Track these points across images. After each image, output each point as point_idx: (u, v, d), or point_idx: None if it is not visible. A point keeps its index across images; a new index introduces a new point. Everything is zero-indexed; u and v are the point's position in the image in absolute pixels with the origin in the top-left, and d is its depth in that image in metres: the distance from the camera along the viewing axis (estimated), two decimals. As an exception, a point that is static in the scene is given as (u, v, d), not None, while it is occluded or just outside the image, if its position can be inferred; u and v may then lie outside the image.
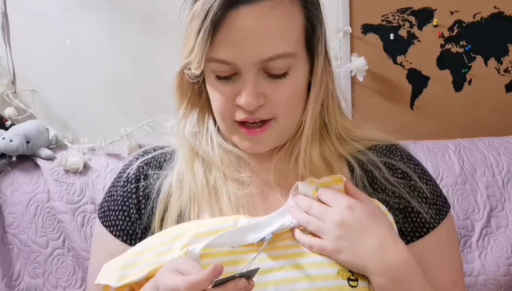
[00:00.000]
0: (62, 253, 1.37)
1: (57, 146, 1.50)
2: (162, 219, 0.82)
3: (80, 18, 1.55)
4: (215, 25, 0.72)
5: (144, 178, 0.85)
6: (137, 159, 0.89)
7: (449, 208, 0.86)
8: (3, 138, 1.40)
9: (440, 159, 1.43)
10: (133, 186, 0.85)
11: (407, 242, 0.80)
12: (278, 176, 0.83)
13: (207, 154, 0.82)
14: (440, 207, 0.84)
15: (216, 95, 0.78)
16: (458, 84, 1.61)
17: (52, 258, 1.37)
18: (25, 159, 1.44)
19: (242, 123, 0.78)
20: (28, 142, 1.41)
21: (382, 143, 0.87)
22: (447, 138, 1.50)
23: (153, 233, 0.82)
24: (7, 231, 1.37)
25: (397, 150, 0.87)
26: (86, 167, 1.41)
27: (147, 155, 0.89)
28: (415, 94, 1.60)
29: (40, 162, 1.42)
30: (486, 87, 1.60)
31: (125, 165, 0.90)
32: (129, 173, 0.86)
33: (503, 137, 1.51)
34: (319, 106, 0.81)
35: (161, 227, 0.82)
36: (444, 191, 1.39)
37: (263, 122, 0.77)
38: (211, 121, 0.85)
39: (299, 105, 0.80)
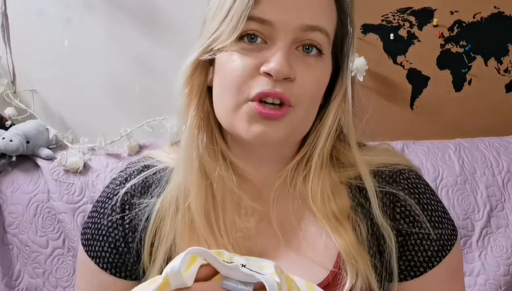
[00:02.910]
0: (62, 253, 1.37)
1: (57, 145, 1.50)
2: (152, 249, 0.76)
3: (80, 18, 1.55)
4: None
5: (129, 208, 0.79)
6: (120, 183, 0.81)
7: (456, 238, 0.77)
8: (3, 138, 1.40)
9: (440, 159, 1.43)
10: (118, 216, 0.78)
11: (400, 280, 0.75)
12: (277, 207, 0.76)
13: (220, 175, 0.74)
14: (445, 241, 0.76)
15: (234, 65, 0.69)
16: (458, 84, 1.61)
17: (52, 258, 1.37)
18: (25, 159, 1.44)
19: (258, 102, 0.68)
20: (28, 142, 1.41)
21: (385, 168, 0.78)
22: (447, 139, 1.50)
23: (144, 265, 0.77)
24: (7, 231, 1.37)
25: (401, 177, 0.78)
26: (86, 167, 1.41)
27: (131, 179, 0.81)
28: (415, 94, 1.60)
29: (40, 161, 1.42)
30: (486, 87, 1.60)
31: (108, 189, 0.82)
32: (114, 201, 0.79)
33: (503, 137, 1.51)
34: (336, 126, 0.76)
35: (150, 256, 0.76)
36: (444, 191, 1.41)
37: (281, 105, 0.69)
38: (219, 135, 0.76)
39: (316, 102, 0.73)
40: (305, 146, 0.76)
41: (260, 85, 0.68)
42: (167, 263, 0.73)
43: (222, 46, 0.69)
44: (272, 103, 0.68)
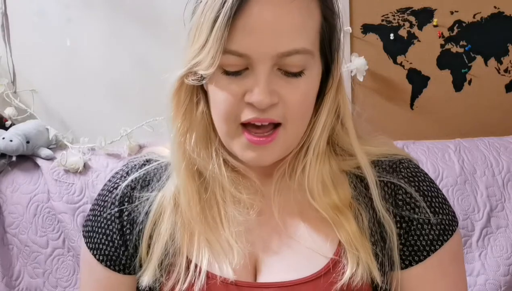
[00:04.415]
0: (62, 253, 1.37)
1: (57, 146, 1.50)
2: (150, 242, 0.77)
3: (80, 18, 1.55)
4: (234, 12, 0.66)
5: (128, 201, 0.80)
6: (121, 176, 0.83)
7: (456, 225, 0.79)
8: (3, 138, 1.40)
9: (440, 159, 1.43)
10: (117, 209, 0.80)
11: (405, 267, 0.77)
12: (278, 200, 0.77)
13: (214, 172, 0.76)
14: (446, 226, 0.77)
15: (221, 94, 0.71)
16: (458, 84, 1.61)
17: (52, 258, 1.37)
18: (25, 159, 1.44)
19: (248, 130, 0.72)
20: (28, 142, 1.41)
21: (385, 158, 0.80)
22: (447, 138, 1.50)
23: (140, 258, 0.78)
24: (7, 231, 1.37)
25: (400, 166, 0.80)
26: (86, 167, 1.41)
27: (133, 172, 0.82)
28: (415, 94, 1.60)
29: (40, 161, 1.42)
30: (486, 87, 1.60)
31: (110, 183, 0.84)
32: (114, 194, 0.81)
33: (503, 137, 1.51)
34: (332, 119, 0.77)
35: (148, 249, 0.77)
36: (444, 191, 1.40)
37: (273, 125, 0.71)
38: (213, 135, 0.77)
39: (308, 113, 0.75)
40: (301, 139, 0.77)
41: (246, 114, 0.71)
42: (164, 258, 0.75)
43: (204, 74, 0.70)
44: (262, 125, 0.71)
